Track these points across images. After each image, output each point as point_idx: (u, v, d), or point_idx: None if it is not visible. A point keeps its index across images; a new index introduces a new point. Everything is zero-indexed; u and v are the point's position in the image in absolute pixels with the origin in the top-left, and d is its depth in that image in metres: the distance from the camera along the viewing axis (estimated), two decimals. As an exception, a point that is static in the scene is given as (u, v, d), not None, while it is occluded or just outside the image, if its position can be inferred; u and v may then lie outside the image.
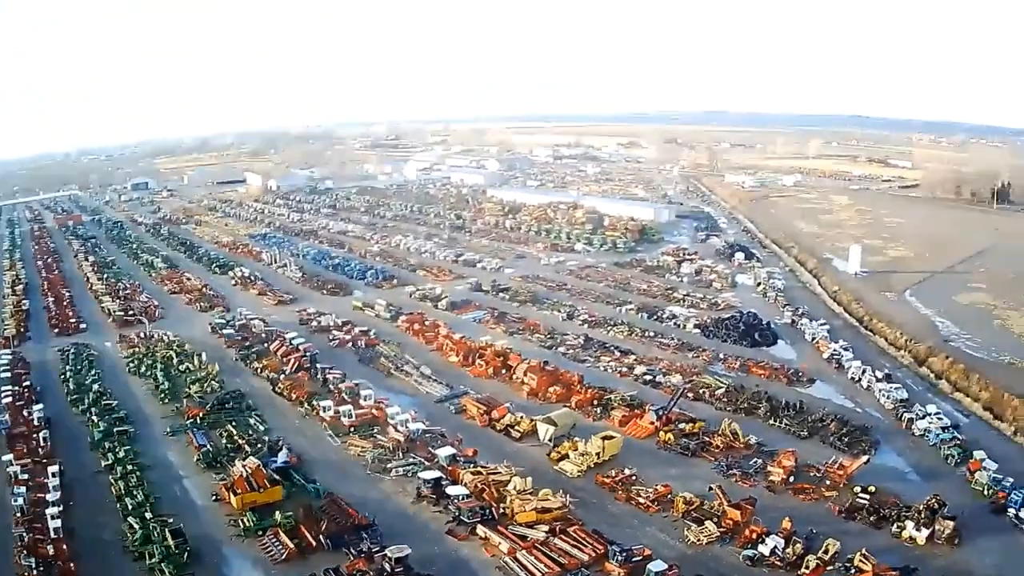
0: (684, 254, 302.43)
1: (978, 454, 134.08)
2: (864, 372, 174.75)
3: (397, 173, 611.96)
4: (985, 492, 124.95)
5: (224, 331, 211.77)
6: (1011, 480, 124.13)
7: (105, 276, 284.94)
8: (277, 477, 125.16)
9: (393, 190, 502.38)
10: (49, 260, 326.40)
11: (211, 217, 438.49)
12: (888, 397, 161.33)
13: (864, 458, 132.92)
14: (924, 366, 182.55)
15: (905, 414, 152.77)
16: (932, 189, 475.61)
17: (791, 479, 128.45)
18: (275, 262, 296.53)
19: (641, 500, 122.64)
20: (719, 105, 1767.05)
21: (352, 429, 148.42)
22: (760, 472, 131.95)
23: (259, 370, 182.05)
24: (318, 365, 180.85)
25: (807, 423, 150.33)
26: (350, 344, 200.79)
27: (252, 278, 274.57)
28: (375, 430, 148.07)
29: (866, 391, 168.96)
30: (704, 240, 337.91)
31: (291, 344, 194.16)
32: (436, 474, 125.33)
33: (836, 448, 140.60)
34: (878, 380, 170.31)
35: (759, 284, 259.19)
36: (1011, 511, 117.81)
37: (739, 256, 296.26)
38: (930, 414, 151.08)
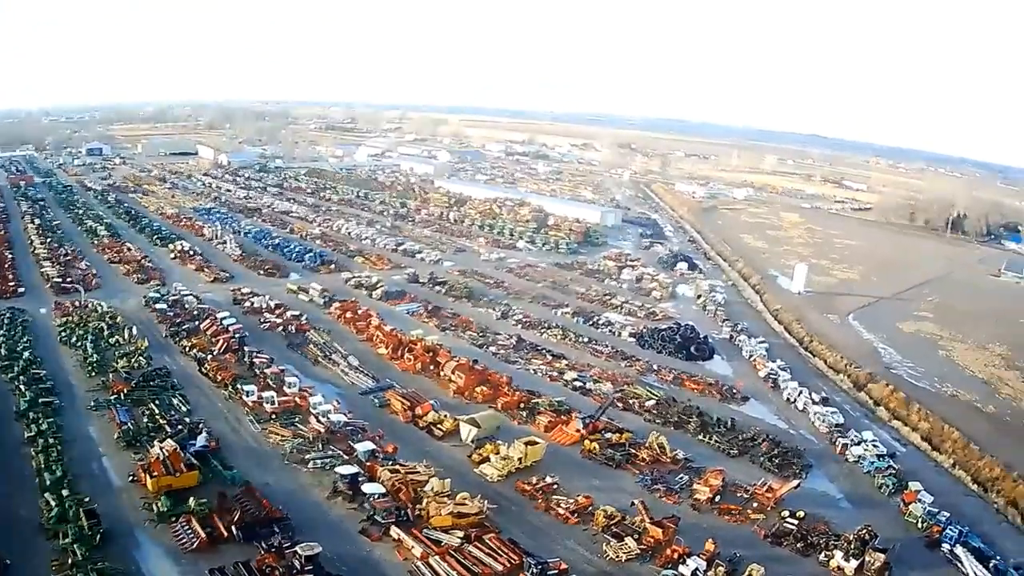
0: (626, 260, 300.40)
1: (913, 485, 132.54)
2: (800, 394, 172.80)
3: (348, 157, 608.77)
4: (919, 525, 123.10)
5: (157, 306, 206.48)
6: (946, 514, 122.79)
7: (48, 240, 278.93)
8: (195, 461, 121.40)
9: (342, 174, 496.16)
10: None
11: (159, 188, 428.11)
12: (824, 421, 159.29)
13: (795, 482, 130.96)
14: (863, 392, 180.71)
15: (840, 439, 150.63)
16: (886, 213, 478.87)
17: (717, 498, 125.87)
18: (216, 238, 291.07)
19: (561, 510, 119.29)
20: (677, 113, 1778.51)
21: (274, 416, 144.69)
22: (686, 489, 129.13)
23: (187, 349, 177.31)
24: (246, 348, 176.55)
25: (738, 441, 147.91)
26: (280, 328, 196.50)
27: (191, 253, 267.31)
28: (297, 419, 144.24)
29: (801, 413, 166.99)
30: (648, 247, 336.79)
31: (221, 324, 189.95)
32: (353, 470, 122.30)
33: (766, 469, 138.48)
34: (814, 403, 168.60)
35: (700, 296, 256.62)
36: (945, 546, 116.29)
37: (682, 266, 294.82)
38: (866, 441, 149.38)
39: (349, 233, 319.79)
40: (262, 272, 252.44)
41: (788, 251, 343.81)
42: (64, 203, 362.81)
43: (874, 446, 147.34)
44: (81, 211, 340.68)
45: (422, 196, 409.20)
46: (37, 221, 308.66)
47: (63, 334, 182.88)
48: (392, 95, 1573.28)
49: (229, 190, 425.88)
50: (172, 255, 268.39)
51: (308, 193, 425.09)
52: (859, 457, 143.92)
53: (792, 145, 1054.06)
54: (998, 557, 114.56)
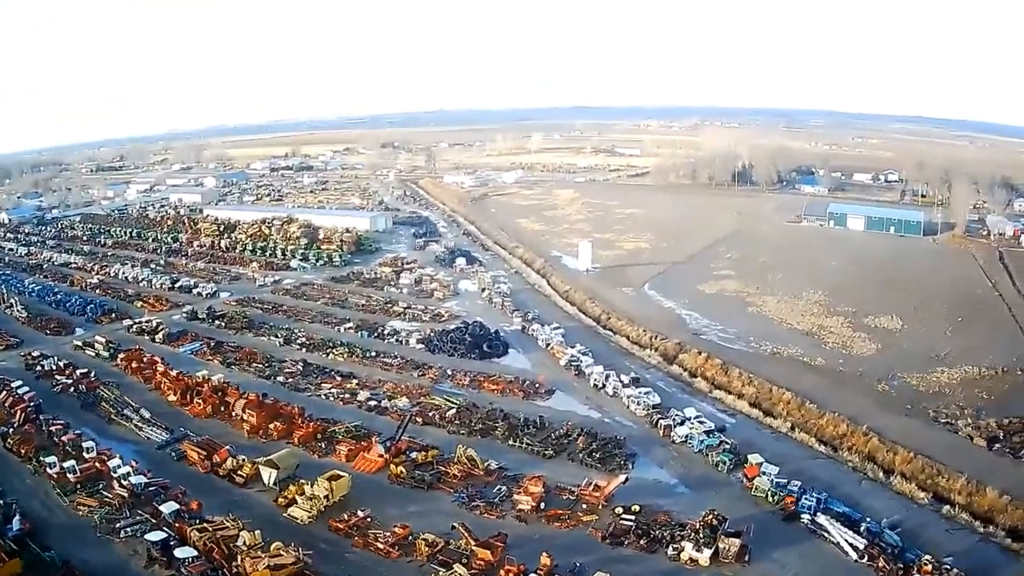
0: (402, 263, 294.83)
1: (753, 458, 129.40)
2: (608, 377, 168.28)
3: (119, 197, 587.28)
4: (769, 499, 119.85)
5: None
6: (797, 483, 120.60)
7: None
8: (14, 547, 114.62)
9: (115, 216, 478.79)
10: None
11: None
12: (639, 403, 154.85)
13: (622, 477, 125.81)
14: (675, 364, 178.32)
15: (661, 421, 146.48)
16: (665, 176, 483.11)
17: (542, 506, 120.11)
18: (3, 302, 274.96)
19: (380, 545, 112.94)
20: (435, 104, 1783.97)
21: (79, 486, 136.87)
22: (506, 501, 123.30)
23: None
24: (42, 416, 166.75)
25: (551, 441, 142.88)
26: (72, 388, 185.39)
27: None
28: (101, 485, 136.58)
29: (613, 398, 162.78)
30: (423, 247, 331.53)
31: (16, 394, 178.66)
32: (162, 535, 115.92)
33: (588, 466, 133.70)
34: (624, 385, 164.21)
35: (484, 290, 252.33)
36: (805, 517, 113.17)
37: (460, 261, 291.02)
38: (689, 419, 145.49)
39: (126, 277, 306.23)
40: (48, 331, 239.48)
41: (568, 229, 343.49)
42: None
43: (700, 422, 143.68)
44: None
45: (191, 228, 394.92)
46: None
47: None
48: (156, 125, 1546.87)
49: (11, 249, 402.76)
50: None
51: (84, 241, 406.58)
52: (686, 437, 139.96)
53: (558, 120, 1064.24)
54: (868, 520, 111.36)
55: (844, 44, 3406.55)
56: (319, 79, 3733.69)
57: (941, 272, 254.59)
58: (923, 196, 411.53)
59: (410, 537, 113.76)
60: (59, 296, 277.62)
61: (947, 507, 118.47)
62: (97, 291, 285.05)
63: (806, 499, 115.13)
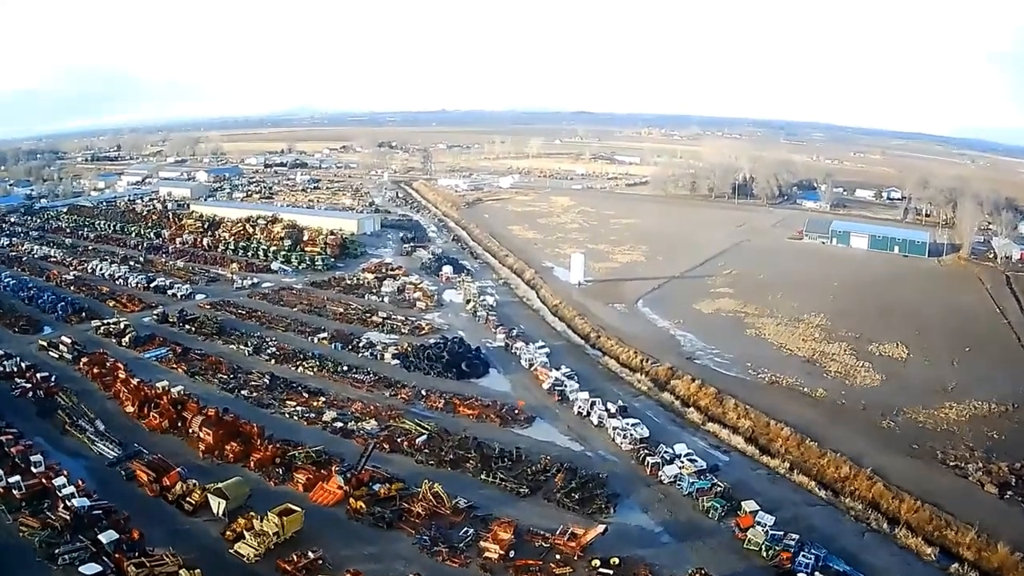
0: (387, 270, 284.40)
1: (748, 505, 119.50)
2: (593, 405, 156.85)
3: (110, 188, 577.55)
4: (763, 553, 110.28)
5: None
6: (795, 536, 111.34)
7: None
8: None
9: (101, 208, 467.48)
10: None
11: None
12: (625, 436, 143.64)
13: (600, 527, 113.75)
14: (666, 391, 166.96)
15: (648, 458, 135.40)
16: (664, 186, 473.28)
17: (511, 554, 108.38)
18: None
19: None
20: (437, 104, 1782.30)
21: (23, 503, 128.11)
22: (472, 547, 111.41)
23: None
24: None
25: (527, 477, 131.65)
26: (31, 393, 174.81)
27: None
28: (46, 504, 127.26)
29: (598, 428, 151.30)
30: (410, 252, 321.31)
31: None
32: (97, 569, 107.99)
33: (565, 507, 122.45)
34: (611, 415, 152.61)
35: (469, 301, 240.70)
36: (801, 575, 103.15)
37: (447, 269, 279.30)
38: (680, 456, 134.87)
39: (103, 274, 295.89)
40: (16, 329, 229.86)
41: (562, 238, 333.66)
42: None
43: (691, 461, 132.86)
44: None
45: (176, 224, 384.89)
46: None
47: None
48: (159, 112, 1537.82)
49: None
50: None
51: (67, 233, 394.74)
52: (675, 477, 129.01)
53: (560, 124, 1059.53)
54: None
55: (845, 57, 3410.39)
56: (323, 74, 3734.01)
57: (947, 296, 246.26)
58: (926, 215, 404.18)
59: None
60: (32, 292, 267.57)
61: (955, 565, 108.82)
62: (72, 288, 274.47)
63: (804, 556, 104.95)
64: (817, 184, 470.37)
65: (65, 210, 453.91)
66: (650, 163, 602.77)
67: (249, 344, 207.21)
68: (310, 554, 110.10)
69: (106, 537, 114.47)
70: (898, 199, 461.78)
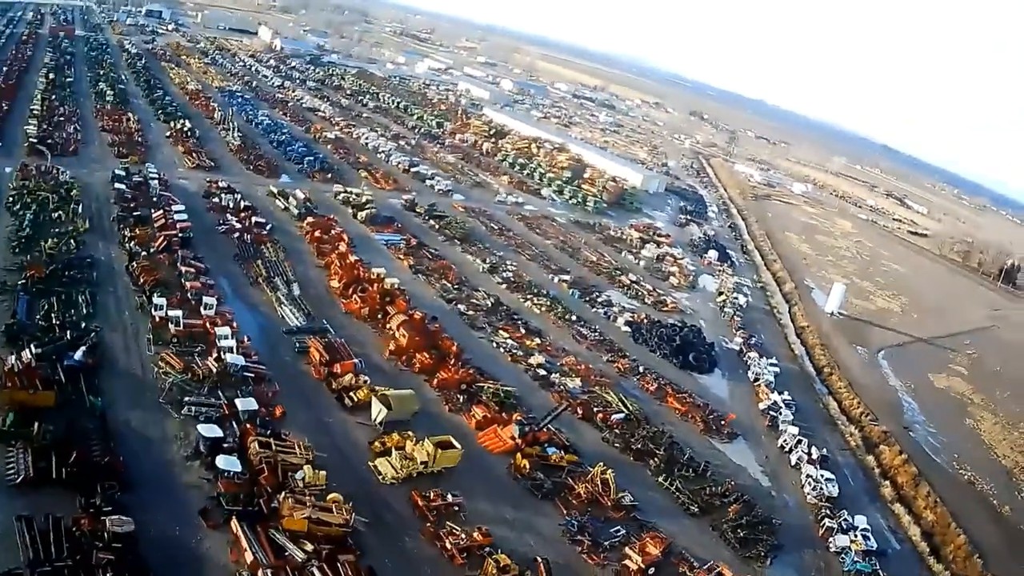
0: (654, 233, 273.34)
1: None
2: (799, 443, 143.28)
3: (408, 66, 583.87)
4: None
5: (118, 184, 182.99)
6: None
7: (52, 97, 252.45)
8: (59, 378, 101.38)
9: (393, 82, 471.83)
10: (14, 68, 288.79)
11: (196, 61, 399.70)
12: (815, 488, 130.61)
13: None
14: (872, 454, 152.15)
15: (827, 520, 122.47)
16: (941, 245, 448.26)
17: (650, 572, 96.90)
18: (222, 123, 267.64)
19: (448, 545, 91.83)
20: (757, 93, 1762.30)
21: (174, 340, 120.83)
22: (617, 548, 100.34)
23: (127, 239, 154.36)
24: (182, 251, 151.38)
25: (703, 495, 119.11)
26: (237, 234, 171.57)
27: (188, 134, 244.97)
28: (199, 349, 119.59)
29: (793, 470, 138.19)
30: (684, 224, 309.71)
31: (171, 218, 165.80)
32: (216, 432, 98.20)
33: (726, 541, 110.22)
34: (811, 460, 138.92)
35: (721, 294, 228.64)
36: None
37: (712, 254, 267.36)
38: (856, 528, 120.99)
39: (367, 144, 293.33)
40: (252, 168, 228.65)
41: (832, 263, 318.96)
42: (92, 61, 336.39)
43: (864, 537, 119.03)
44: (102, 72, 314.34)
45: (463, 120, 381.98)
46: (52, 76, 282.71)
47: (11, 199, 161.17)
48: (484, 14, 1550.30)
49: (266, 76, 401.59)
50: (168, 133, 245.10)
51: (347, 94, 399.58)
52: (842, 549, 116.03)
53: (864, 151, 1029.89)
54: None
55: None
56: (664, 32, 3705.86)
57: None
58: None
59: (486, 550, 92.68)
60: (284, 137, 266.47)
61: None
62: (329, 147, 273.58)
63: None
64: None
65: (354, 72, 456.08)
66: (936, 218, 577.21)
67: (487, 261, 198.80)
68: (449, 497, 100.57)
69: (243, 404, 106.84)
70: None
